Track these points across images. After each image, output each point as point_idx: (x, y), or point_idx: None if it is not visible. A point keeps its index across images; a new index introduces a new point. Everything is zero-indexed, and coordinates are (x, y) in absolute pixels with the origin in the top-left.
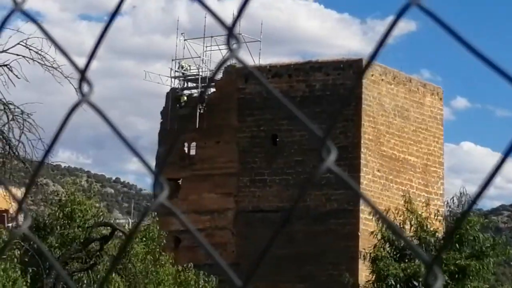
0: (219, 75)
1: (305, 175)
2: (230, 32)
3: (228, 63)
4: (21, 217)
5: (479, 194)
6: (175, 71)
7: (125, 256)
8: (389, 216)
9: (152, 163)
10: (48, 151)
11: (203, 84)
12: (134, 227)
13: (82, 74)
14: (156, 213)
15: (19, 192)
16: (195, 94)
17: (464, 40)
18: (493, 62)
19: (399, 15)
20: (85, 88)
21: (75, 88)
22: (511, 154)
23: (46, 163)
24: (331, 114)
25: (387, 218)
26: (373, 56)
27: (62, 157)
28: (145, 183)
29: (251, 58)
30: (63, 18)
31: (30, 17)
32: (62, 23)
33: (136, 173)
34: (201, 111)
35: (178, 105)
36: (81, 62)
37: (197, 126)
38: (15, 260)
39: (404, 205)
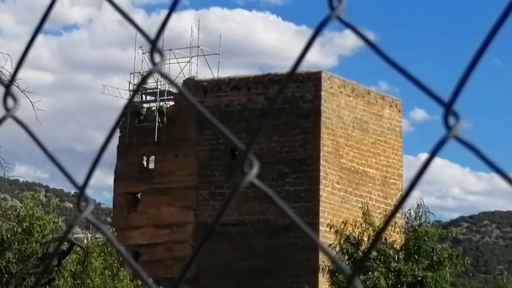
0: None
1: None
2: (154, 45)
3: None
4: None
5: (403, 199)
6: (134, 84)
7: (83, 271)
8: (346, 228)
9: (111, 177)
10: None
11: (161, 98)
12: (57, 246)
13: (7, 88)
14: (114, 228)
15: None
16: (154, 108)
17: (382, 52)
18: (409, 73)
19: (318, 29)
20: (10, 103)
21: (31, 102)
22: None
23: (3, 178)
24: (257, 127)
25: (310, 230)
26: (293, 70)
27: (19, 171)
28: (104, 197)
29: (209, 71)
30: (20, 31)
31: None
32: (18, 36)
33: (94, 187)
34: (160, 125)
35: (137, 118)
36: (34, 75)
37: (155, 140)
38: None
39: (363, 217)
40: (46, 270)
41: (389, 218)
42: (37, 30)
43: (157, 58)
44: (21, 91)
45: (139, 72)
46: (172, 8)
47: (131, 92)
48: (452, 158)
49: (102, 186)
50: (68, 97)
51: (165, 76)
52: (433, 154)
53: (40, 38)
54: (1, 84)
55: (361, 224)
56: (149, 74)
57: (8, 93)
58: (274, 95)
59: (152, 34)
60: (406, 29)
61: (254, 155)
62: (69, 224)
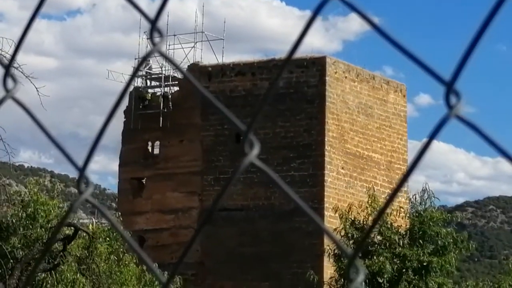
0: (181, 74)
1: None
2: (153, 25)
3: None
4: None
5: (402, 182)
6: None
7: (88, 256)
8: (352, 212)
9: (116, 162)
10: None
11: (166, 83)
12: (59, 224)
13: (7, 69)
14: (120, 213)
15: None
16: (159, 93)
17: (384, 32)
18: (422, 61)
19: (318, 9)
20: (10, 84)
21: (35, 87)
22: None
23: (8, 163)
24: (257, 108)
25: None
26: (291, 53)
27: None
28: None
29: (214, 56)
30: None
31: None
32: (21, 22)
33: (99, 173)
34: (165, 110)
35: (142, 103)
36: (37, 61)
37: (160, 125)
38: None
39: (368, 201)
40: (45, 254)
41: (391, 197)
42: (37, 9)
43: (157, 38)
44: (26, 76)
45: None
46: None
47: (134, 75)
48: (457, 143)
49: (107, 172)
50: (72, 82)
51: (164, 56)
52: (435, 133)
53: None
54: (1, 65)
55: (366, 208)
56: (148, 54)
57: (7, 74)
58: (275, 77)
59: (153, 15)
60: (411, 11)
61: (255, 136)
62: (69, 206)
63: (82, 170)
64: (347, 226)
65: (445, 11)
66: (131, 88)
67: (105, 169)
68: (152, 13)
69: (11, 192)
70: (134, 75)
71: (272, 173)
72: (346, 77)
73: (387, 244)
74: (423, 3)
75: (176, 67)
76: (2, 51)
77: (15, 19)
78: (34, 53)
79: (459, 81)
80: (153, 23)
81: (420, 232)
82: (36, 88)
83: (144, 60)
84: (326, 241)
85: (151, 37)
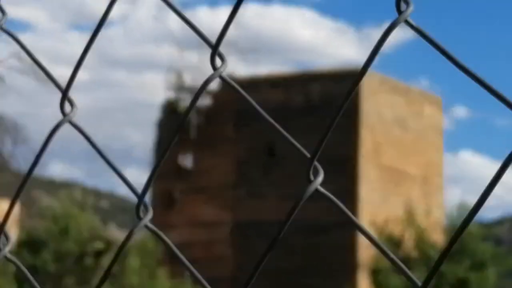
0: (215, 86)
1: (302, 187)
2: (215, 51)
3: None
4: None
5: (476, 208)
6: (171, 82)
7: (120, 271)
8: (388, 227)
9: (147, 175)
10: (31, 170)
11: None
12: (120, 249)
13: (64, 93)
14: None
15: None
16: None
17: (454, 58)
18: (485, 82)
19: (386, 34)
20: (67, 107)
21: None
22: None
23: (37, 176)
24: (323, 134)
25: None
26: (363, 72)
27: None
28: None
29: (247, 68)
30: (53, 28)
31: (12, 36)
32: (52, 33)
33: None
34: (198, 123)
35: (174, 116)
36: (69, 72)
37: (193, 138)
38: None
39: (405, 216)
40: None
41: (468, 220)
42: (96, 32)
43: (218, 62)
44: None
45: (177, 70)
46: (235, 11)
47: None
48: (494, 156)
49: (138, 184)
50: (104, 94)
51: (226, 81)
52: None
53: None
54: (58, 89)
55: (402, 222)
56: (210, 79)
57: (65, 97)
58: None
59: (188, 29)
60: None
61: (318, 163)
62: (129, 231)
63: (141, 197)
64: (383, 241)
65: None
66: (163, 100)
67: (136, 181)
68: (180, 27)
69: (43, 205)
70: (194, 102)
71: (336, 200)
72: (381, 89)
73: (424, 259)
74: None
75: (237, 90)
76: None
77: (46, 31)
78: (66, 65)
79: None
80: (215, 48)
81: (458, 248)
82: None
83: (205, 86)
84: (361, 255)
85: (212, 62)
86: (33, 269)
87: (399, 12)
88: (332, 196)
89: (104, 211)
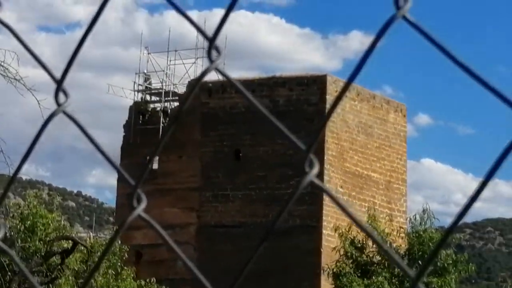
0: (183, 89)
1: (267, 191)
2: (211, 44)
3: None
4: None
5: (463, 212)
6: (139, 84)
7: (86, 270)
8: (351, 232)
9: (113, 176)
10: (20, 165)
11: (166, 98)
12: (110, 241)
13: (59, 84)
14: (117, 227)
15: None
16: (158, 108)
17: (453, 56)
18: (484, 80)
19: (384, 29)
20: (62, 98)
21: (37, 100)
22: (491, 178)
23: (7, 175)
24: (320, 128)
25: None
26: (354, 75)
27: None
28: (106, 197)
29: (214, 72)
30: (21, 28)
31: (8, 27)
32: (20, 34)
33: (96, 187)
34: (165, 125)
35: (141, 119)
36: (36, 73)
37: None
38: None
39: (368, 221)
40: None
41: (457, 220)
42: (89, 28)
43: (214, 55)
44: (28, 89)
45: (144, 72)
46: (231, 6)
47: (136, 91)
48: (455, 164)
49: (104, 186)
50: (71, 95)
51: (222, 73)
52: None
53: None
54: (53, 80)
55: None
56: (206, 71)
57: (59, 88)
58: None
59: (156, 33)
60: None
61: (314, 155)
62: (121, 223)
63: (135, 187)
64: (347, 245)
65: None
66: (130, 102)
67: (102, 183)
68: (152, 29)
69: (10, 204)
70: (191, 92)
71: (332, 193)
72: (346, 95)
73: (386, 264)
74: None
75: (233, 82)
76: (3, 63)
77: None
78: (32, 66)
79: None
80: (211, 41)
81: (420, 253)
82: (38, 101)
83: (202, 77)
84: (324, 259)
85: (208, 55)
86: (0, 267)
87: (397, 7)
88: (326, 188)
89: (71, 211)
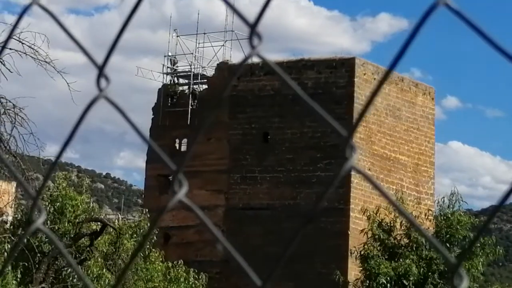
0: (211, 72)
1: (296, 173)
2: (253, 29)
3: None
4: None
5: (503, 200)
6: (168, 67)
7: (115, 252)
8: (379, 214)
9: (142, 159)
10: (64, 147)
11: (195, 81)
12: (152, 225)
13: (100, 69)
14: (147, 210)
15: (9, 186)
16: (187, 91)
17: (496, 43)
18: None
19: (425, 16)
20: (103, 83)
21: (67, 82)
22: None
23: (37, 157)
24: (359, 114)
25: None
26: (395, 62)
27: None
28: (134, 178)
29: (243, 55)
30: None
31: (49, 12)
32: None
33: (124, 169)
34: (193, 107)
35: (170, 101)
36: (66, 56)
37: (188, 123)
38: (5, 254)
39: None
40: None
41: (499, 205)
42: (132, 13)
43: (255, 41)
44: (57, 71)
45: (173, 55)
46: None
47: (164, 74)
48: (483, 146)
49: (132, 168)
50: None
51: (264, 59)
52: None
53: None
54: (95, 65)
55: (394, 210)
56: (248, 57)
57: (101, 74)
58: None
59: (184, 16)
60: None
61: (354, 142)
62: (162, 207)
63: (176, 171)
64: (375, 228)
65: None
66: (159, 85)
67: (130, 165)
68: (180, 12)
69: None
70: (232, 79)
71: (374, 180)
72: (374, 78)
73: (414, 246)
74: None
75: (271, 66)
76: (34, 45)
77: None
78: (62, 48)
79: None
80: (253, 27)
81: (448, 236)
82: (68, 84)
83: (244, 62)
84: (352, 242)
85: (250, 41)
86: (29, 249)
87: None
88: (368, 174)
89: (99, 193)
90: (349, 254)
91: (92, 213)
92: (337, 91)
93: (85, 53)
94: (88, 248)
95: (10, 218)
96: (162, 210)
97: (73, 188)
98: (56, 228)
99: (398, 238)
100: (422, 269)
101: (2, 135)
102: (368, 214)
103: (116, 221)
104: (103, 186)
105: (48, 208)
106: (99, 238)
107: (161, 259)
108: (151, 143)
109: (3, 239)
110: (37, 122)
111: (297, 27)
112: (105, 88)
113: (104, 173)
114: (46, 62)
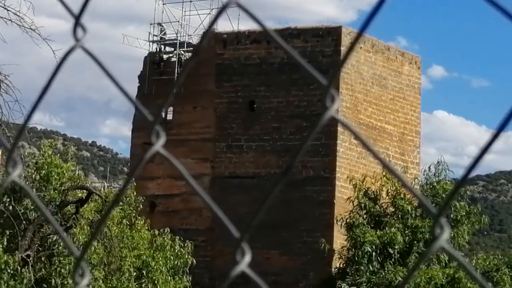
0: (197, 40)
1: (282, 142)
2: (77, 21)
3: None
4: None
5: (473, 165)
6: (154, 35)
7: (100, 220)
8: (365, 183)
9: (127, 127)
10: (36, 105)
11: (181, 49)
12: (127, 180)
13: (77, 19)
14: (133, 178)
15: None
16: (173, 59)
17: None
18: None
19: None
20: (80, 33)
21: (52, 49)
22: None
23: (18, 125)
24: (341, 62)
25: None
26: (365, 26)
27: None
28: (120, 147)
29: (229, 23)
30: None
31: None
32: None
33: (110, 137)
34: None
35: (156, 69)
36: (50, 23)
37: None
38: None
39: (382, 172)
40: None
41: (472, 165)
42: None
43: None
44: (43, 39)
45: (159, 23)
46: None
47: (150, 42)
48: (468, 116)
49: (118, 136)
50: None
51: (244, 9)
52: None
53: None
54: (71, 15)
55: (380, 178)
56: (225, 6)
57: (77, 23)
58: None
59: None
60: None
61: (335, 90)
62: (138, 160)
63: (153, 122)
64: (360, 196)
65: None
66: (145, 53)
67: (116, 133)
68: None
69: (25, 154)
70: (210, 27)
71: (354, 129)
72: (361, 47)
73: (400, 215)
74: None
75: (259, 23)
76: (19, 12)
77: None
78: (46, 15)
79: None
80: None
81: (434, 204)
82: (53, 51)
83: (221, 12)
84: (337, 210)
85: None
86: (15, 216)
87: None
88: (347, 123)
89: (85, 161)
90: (335, 222)
91: (78, 181)
92: (323, 60)
93: (61, 1)
94: (73, 216)
95: None
96: (140, 161)
97: (58, 155)
98: (42, 195)
99: (384, 207)
100: (407, 237)
101: None
102: (354, 182)
103: (102, 189)
104: (89, 154)
105: (33, 175)
106: (85, 206)
107: (146, 227)
108: (128, 95)
109: None
110: (22, 90)
111: None
112: (82, 38)
113: (90, 141)
114: (31, 29)
